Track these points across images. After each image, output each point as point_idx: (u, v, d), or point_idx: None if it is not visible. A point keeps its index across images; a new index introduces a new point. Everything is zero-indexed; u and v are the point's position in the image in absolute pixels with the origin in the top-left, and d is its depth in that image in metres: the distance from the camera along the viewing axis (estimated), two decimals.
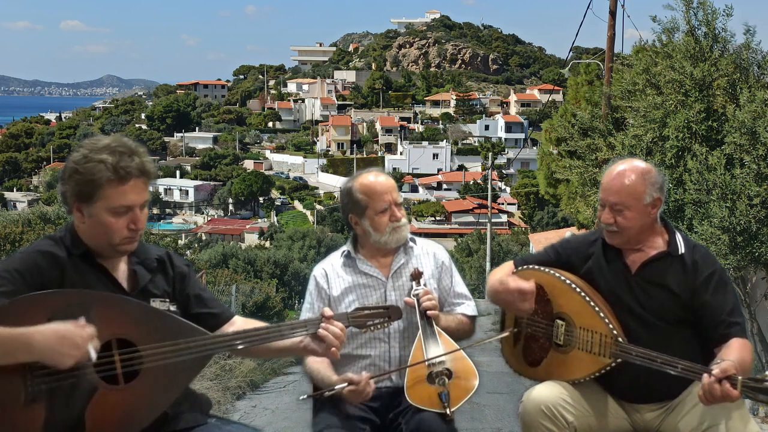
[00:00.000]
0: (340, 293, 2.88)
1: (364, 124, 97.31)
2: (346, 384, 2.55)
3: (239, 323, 2.44)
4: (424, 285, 2.84)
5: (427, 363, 2.64)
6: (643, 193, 2.63)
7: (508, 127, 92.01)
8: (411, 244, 2.98)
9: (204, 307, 2.40)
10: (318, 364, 2.78)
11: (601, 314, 2.63)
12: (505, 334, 2.93)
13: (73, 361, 1.95)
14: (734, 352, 2.43)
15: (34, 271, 2.09)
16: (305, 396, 2.75)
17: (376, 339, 2.83)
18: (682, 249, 2.69)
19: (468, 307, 3.00)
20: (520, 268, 2.92)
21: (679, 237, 2.74)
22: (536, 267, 2.87)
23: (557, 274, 2.79)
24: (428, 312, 2.75)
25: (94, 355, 1.97)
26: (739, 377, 2.26)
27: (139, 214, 2.19)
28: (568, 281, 2.75)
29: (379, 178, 2.91)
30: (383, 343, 2.83)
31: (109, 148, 2.14)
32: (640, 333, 2.63)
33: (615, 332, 2.59)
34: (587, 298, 2.68)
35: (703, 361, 2.46)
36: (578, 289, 2.71)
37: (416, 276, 2.84)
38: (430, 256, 2.99)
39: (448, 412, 2.57)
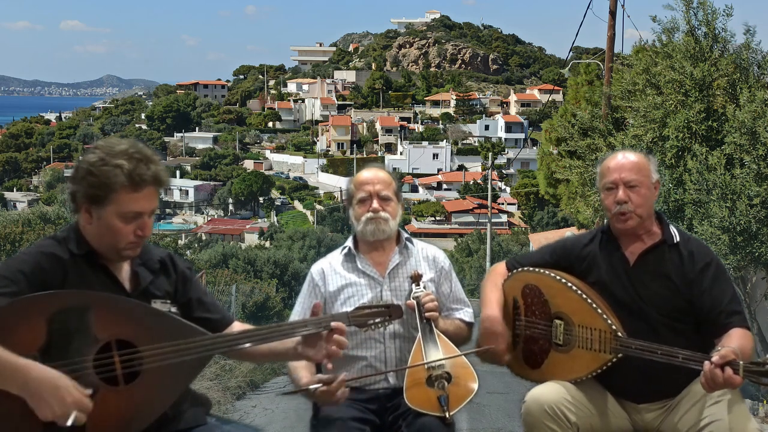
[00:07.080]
0: (335, 289, 2.88)
1: (364, 124, 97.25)
2: (319, 384, 2.47)
3: (237, 328, 2.44)
4: (424, 287, 2.82)
5: (426, 366, 2.63)
6: (650, 171, 2.76)
7: (508, 127, 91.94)
8: (408, 245, 2.96)
9: (205, 311, 2.41)
10: (294, 364, 2.75)
11: (599, 311, 2.64)
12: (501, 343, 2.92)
13: (50, 415, 1.92)
14: (735, 341, 2.45)
15: (36, 271, 2.09)
16: (282, 393, 2.72)
17: (372, 339, 2.80)
18: (677, 238, 2.74)
19: (466, 314, 2.99)
20: (514, 271, 2.93)
21: (672, 228, 2.79)
22: (530, 269, 2.88)
23: (552, 274, 2.80)
24: (428, 314, 2.73)
25: (70, 422, 1.93)
26: (741, 362, 2.28)
27: (147, 221, 2.20)
28: (563, 280, 2.76)
29: (370, 171, 2.92)
30: (379, 344, 2.81)
31: (126, 153, 2.13)
32: (640, 327, 2.64)
33: (614, 328, 2.60)
34: (584, 296, 2.69)
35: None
36: (575, 288, 2.72)
37: (416, 278, 2.83)
38: (429, 260, 2.96)
39: (447, 415, 2.55)
